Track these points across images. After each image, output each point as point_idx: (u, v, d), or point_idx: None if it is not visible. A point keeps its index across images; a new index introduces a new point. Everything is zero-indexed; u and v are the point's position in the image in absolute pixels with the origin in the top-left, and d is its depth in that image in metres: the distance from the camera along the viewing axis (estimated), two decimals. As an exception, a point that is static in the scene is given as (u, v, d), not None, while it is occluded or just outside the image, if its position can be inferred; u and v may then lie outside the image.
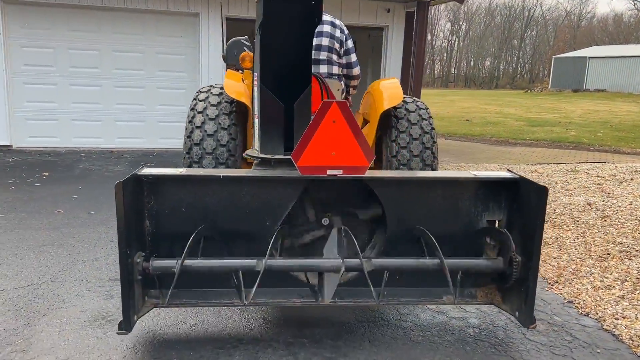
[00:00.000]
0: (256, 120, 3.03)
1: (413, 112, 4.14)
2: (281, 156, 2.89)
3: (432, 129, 4.11)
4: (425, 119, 4.13)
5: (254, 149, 3.07)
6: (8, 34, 8.39)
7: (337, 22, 4.49)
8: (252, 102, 3.24)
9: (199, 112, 3.97)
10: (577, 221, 5.02)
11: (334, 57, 4.45)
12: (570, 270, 3.98)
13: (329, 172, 2.76)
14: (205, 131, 3.90)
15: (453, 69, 68.99)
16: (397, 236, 2.98)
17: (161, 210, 2.86)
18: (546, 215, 5.30)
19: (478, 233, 3.00)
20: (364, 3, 9.37)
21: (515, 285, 2.82)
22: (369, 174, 2.83)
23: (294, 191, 2.91)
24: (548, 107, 23.78)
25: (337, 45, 4.45)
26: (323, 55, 4.34)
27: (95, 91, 8.90)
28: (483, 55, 67.61)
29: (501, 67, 67.76)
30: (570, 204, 5.59)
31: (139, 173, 2.71)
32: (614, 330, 3.09)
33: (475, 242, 3.01)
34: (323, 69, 4.32)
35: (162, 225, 2.86)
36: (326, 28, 4.38)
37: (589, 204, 5.46)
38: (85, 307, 3.29)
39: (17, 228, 4.84)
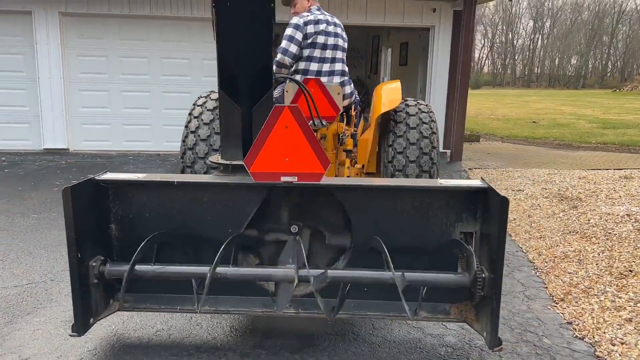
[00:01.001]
0: (220, 126, 3.00)
1: (413, 115, 3.97)
2: (239, 162, 2.84)
3: (433, 133, 3.90)
4: (426, 123, 3.94)
5: (218, 155, 3.04)
6: (66, 43, 8.93)
7: (341, 23, 4.44)
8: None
9: (195, 117, 4.01)
10: (609, 233, 4.58)
11: (345, 56, 4.40)
12: (582, 287, 3.63)
13: (283, 178, 2.68)
14: (199, 136, 3.93)
15: (536, 68, 65.88)
16: (363, 246, 2.83)
17: (126, 215, 2.89)
18: (578, 226, 4.91)
19: (449, 245, 2.79)
20: (409, 3, 9.12)
21: (483, 304, 2.60)
22: (327, 180, 2.72)
23: (255, 197, 2.84)
24: (631, 108, 22.09)
25: (345, 45, 4.40)
26: (339, 54, 4.31)
27: (144, 97, 9.27)
28: (569, 53, 64.06)
29: (589, 65, 63.89)
30: (609, 214, 5.11)
31: (97, 178, 2.75)
32: (606, 357, 2.77)
33: (448, 254, 2.81)
34: (338, 66, 4.30)
35: (128, 230, 2.88)
36: (338, 30, 4.35)
37: (629, 215, 4.97)
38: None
39: (43, 228, 5.11)
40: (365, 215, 2.80)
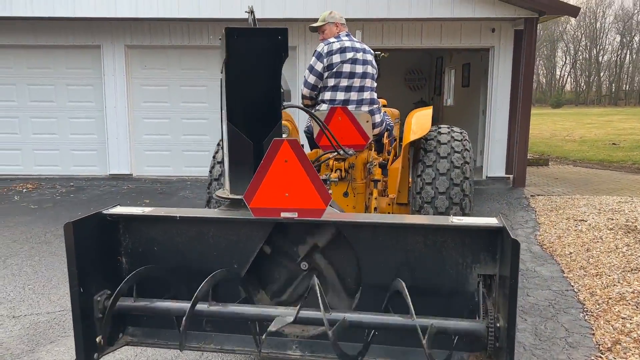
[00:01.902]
0: (225, 159, 2.95)
1: (445, 144, 3.75)
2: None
3: (465, 163, 3.66)
4: (458, 152, 3.71)
5: (224, 189, 2.97)
6: (131, 74, 9.39)
7: (371, 50, 4.32)
8: (221, 141, 3.08)
9: (222, 148, 4.01)
10: (677, 273, 4.08)
11: (375, 84, 4.27)
12: (635, 335, 3.22)
13: (283, 214, 2.58)
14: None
15: (624, 85, 62.07)
16: (372, 287, 2.66)
17: (135, 249, 2.89)
18: (642, 263, 4.43)
19: (467, 288, 2.56)
20: (466, 24, 8.83)
21: (498, 355, 2.35)
22: (329, 217, 2.59)
23: (260, 233, 2.76)
24: None
25: (375, 73, 4.27)
26: (368, 82, 4.19)
27: (203, 124, 9.53)
28: (662, 68, 59.91)
29: (687, 81, 59.36)
30: (680, 250, 4.58)
31: (104, 212, 2.77)
32: None
33: (466, 298, 2.59)
34: (366, 94, 4.16)
35: (138, 264, 2.87)
36: (369, 56, 4.23)
37: (702, 252, 4.42)
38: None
39: (90, 253, 5.27)
40: (373, 253, 2.63)
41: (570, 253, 4.96)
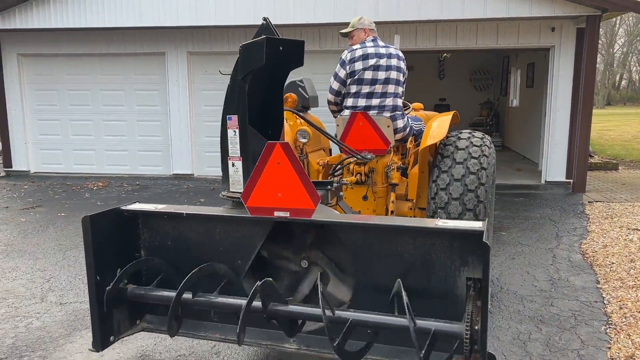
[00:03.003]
0: (235, 162, 3.14)
1: (462, 149, 3.74)
2: None
3: (482, 169, 3.64)
4: (475, 158, 3.69)
5: (231, 191, 3.13)
6: (192, 80, 9.89)
7: (401, 53, 4.33)
8: (222, 145, 3.05)
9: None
10: None
11: (400, 89, 4.29)
12: (654, 351, 3.07)
13: (276, 213, 2.72)
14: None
15: None
16: (363, 286, 2.75)
17: (152, 242, 3.14)
18: (684, 275, 4.16)
19: (454, 291, 2.59)
20: (524, 23, 8.55)
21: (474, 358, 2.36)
22: (319, 217, 2.70)
23: (260, 231, 2.91)
24: None
25: (402, 77, 4.28)
26: (391, 88, 4.22)
27: (259, 126, 9.84)
28: None
29: None
30: None
31: (122, 208, 3.04)
32: None
33: (454, 300, 2.61)
34: (389, 101, 4.20)
35: (154, 256, 3.11)
36: (394, 61, 4.26)
37: None
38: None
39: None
40: (364, 254, 2.71)
41: (612, 263, 4.73)
